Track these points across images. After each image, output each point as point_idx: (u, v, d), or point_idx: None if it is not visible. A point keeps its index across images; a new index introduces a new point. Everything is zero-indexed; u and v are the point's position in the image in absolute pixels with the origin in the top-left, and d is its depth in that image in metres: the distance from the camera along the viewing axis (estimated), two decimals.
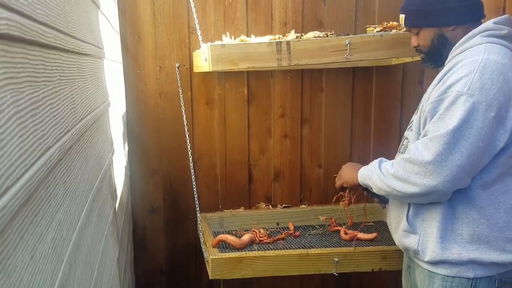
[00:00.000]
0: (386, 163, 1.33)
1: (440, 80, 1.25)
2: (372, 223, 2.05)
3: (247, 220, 2.02)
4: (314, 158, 2.20)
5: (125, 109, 2.02)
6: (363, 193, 1.52)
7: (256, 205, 2.16)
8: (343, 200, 1.57)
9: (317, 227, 1.98)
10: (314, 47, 1.66)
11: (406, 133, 1.40)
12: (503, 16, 1.29)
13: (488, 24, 1.27)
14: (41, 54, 0.60)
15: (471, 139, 1.14)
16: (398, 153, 1.42)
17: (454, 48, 1.30)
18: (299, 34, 1.81)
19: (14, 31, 0.48)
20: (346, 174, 1.50)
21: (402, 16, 1.40)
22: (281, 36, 1.82)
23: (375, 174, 1.33)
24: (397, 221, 1.38)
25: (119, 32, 1.97)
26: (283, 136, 2.16)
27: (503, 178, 1.21)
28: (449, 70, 1.24)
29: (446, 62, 1.32)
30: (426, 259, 1.28)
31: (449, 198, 1.23)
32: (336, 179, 1.56)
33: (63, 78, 0.73)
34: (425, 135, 1.22)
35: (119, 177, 1.59)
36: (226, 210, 2.08)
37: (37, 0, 0.59)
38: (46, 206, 0.58)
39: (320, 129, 2.18)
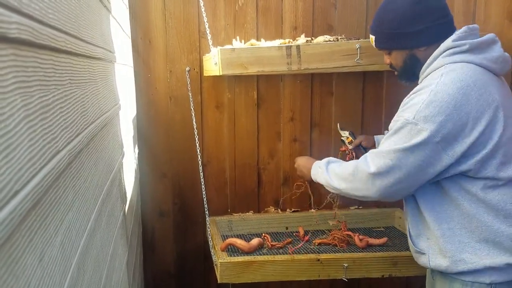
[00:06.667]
0: (334, 165, 1.43)
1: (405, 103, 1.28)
2: (382, 229, 2.03)
3: (256, 224, 2.01)
4: None
5: (135, 112, 2.03)
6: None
7: (265, 209, 2.16)
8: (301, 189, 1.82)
9: (326, 231, 1.97)
10: (324, 51, 1.65)
11: None
12: (461, 29, 1.26)
13: (447, 43, 1.26)
14: (51, 58, 0.60)
15: (411, 162, 1.20)
16: None
17: (422, 70, 1.31)
18: (309, 38, 1.80)
19: (25, 35, 0.48)
20: (302, 168, 1.60)
21: (372, 37, 1.41)
22: (291, 40, 1.82)
23: (322, 177, 1.44)
24: (410, 243, 1.39)
25: (130, 36, 1.99)
26: (292, 140, 2.16)
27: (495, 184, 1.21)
28: (411, 95, 1.26)
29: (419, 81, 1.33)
30: (442, 271, 1.29)
31: (444, 213, 1.25)
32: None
33: (73, 82, 0.74)
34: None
35: (129, 180, 1.60)
36: (235, 214, 2.07)
37: (49, 4, 0.59)
38: (55, 210, 0.58)
39: (330, 133, 2.17)
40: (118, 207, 1.23)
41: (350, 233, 1.86)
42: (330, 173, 1.41)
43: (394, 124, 1.26)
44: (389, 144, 1.24)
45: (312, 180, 1.52)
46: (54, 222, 0.57)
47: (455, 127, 1.16)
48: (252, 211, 2.12)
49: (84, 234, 0.75)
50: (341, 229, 1.92)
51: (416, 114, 1.18)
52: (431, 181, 1.25)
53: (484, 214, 1.21)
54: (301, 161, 1.62)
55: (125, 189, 1.43)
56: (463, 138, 1.17)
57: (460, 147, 1.17)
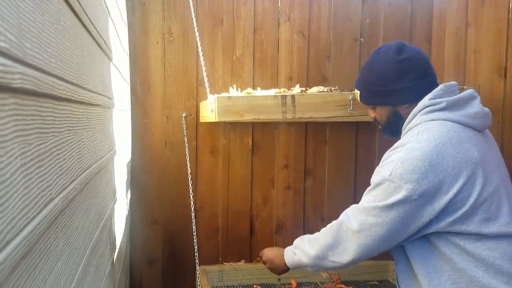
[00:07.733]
0: (310, 236, 1.37)
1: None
2: (376, 282, 1.99)
3: (247, 274, 1.96)
4: (317, 210, 2.17)
5: (130, 156, 2.03)
6: None
7: (257, 258, 2.11)
8: None
9: (319, 284, 1.92)
10: (318, 101, 1.69)
11: None
12: (438, 88, 1.29)
13: (424, 101, 1.28)
14: (52, 106, 0.61)
15: (390, 219, 1.19)
16: None
17: (403, 127, 1.33)
18: (304, 89, 1.85)
19: (28, 85, 0.49)
20: (271, 263, 1.52)
21: (357, 92, 1.44)
22: (286, 89, 1.86)
23: (299, 250, 1.38)
24: None
25: (129, 82, 2.02)
26: (286, 187, 2.15)
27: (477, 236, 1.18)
28: (390, 151, 1.27)
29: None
30: None
31: (434, 268, 1.21)
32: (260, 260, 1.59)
33: (71, 129, 0.74)
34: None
35: (120, 227, 1.57)
36: (226, 264, 2.02)
37: (52, 54, 0.61)
38: (45, 259, 0.57)
39: (323, 182, 2.17)
40: (107, 255, 1.20)
41: (343, 286, 1.82)
42: (305, 241, 1.37)
43: (373, 178, 1.26)
44: (369, 199, 1.24)
45: (286, 268, 1.47)
46: (43, 273, 0.55)
47: (432, 185, 1.16)
48: (243, 260, 2.07)
49: (71, 285, 0.72)
50: (334, 282, 1.87)
51: (393, 171, 1.19)
52: (416, 236, 1.22)
53: (474, 268, 1.18)
54: (269, 252, 1.56)
55: (115, 236, 1.40)
56: (441, 196, 1.16)
57: (438, 204, 1.16)
